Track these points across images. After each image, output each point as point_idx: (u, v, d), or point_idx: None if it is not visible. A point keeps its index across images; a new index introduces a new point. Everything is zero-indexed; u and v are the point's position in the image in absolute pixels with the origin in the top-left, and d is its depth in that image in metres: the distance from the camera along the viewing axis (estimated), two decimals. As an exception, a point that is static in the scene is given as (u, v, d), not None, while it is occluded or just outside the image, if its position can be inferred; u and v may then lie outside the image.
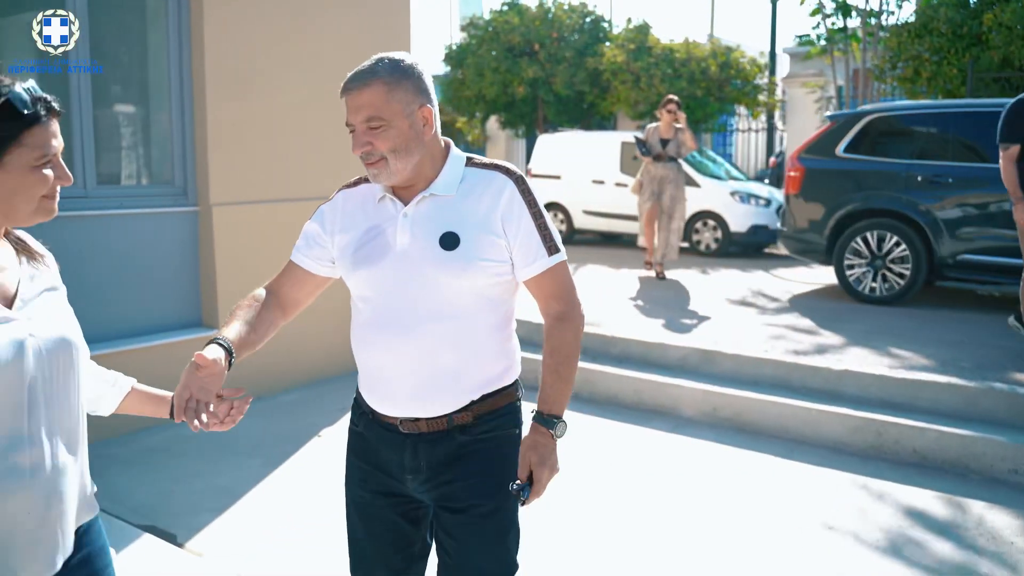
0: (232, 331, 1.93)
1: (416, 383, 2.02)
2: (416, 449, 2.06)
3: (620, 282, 9.59)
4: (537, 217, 2.04)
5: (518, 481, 1.99)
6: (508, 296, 2.09)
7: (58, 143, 1.55)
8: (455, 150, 2.09)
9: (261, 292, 2.14)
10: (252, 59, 5.81)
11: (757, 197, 12.56)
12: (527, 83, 17.61)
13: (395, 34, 6.69)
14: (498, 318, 2.07)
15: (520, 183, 2.05)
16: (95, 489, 1.75)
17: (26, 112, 1.49)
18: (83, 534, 1.69)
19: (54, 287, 1.67)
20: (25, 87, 1.51)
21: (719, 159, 14.23)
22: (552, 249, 2.05)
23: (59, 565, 1.59)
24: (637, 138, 9.48)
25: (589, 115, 18.79)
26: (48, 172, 1.54)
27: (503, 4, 18.78)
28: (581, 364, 6.25)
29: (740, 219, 12.29)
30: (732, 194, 12.43)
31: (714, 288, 9.10)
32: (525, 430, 2.10)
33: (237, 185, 5.79)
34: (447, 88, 19.46)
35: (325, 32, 6.25)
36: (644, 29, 17.74)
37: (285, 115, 6.03)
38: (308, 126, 6.15)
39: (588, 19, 18.38)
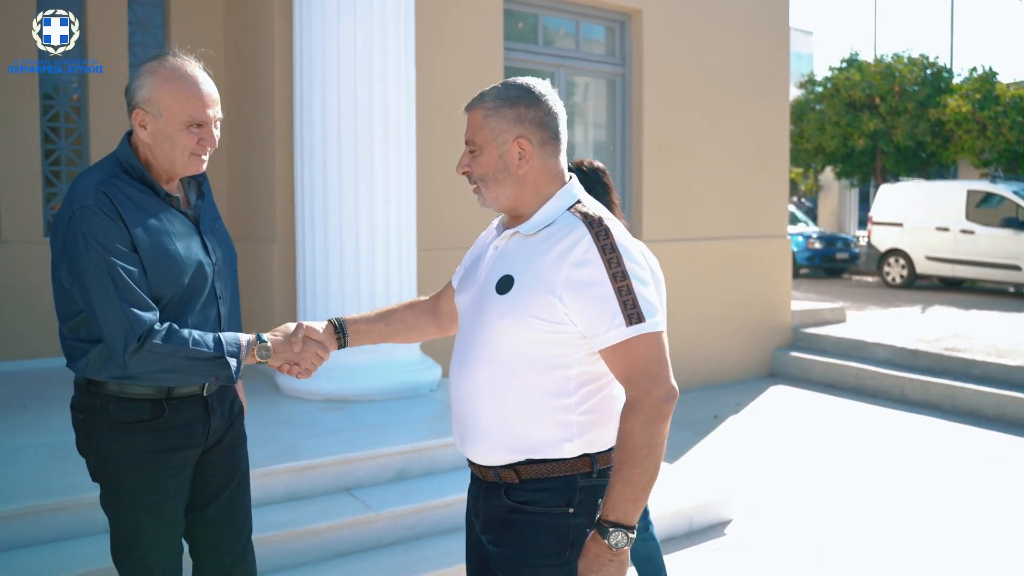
0: (357, 315, 2.22)
1: (461, 424, 1.92)
2: (478, 494, 1.95)
3: (971, 320, 10.25)
4: (618, 278, 1.70)
5: None
6: (571, 361, 1.79)
7: None
8: (566, 191, 1.86)
9: (424, 297, 2.28)
10: (673, 133, 7.60)
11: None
12: (867, 136, 18.29)
13: (775, 133, 8.32)
14: (553, 382, 1.79)
15: (601, 236, 1.74)
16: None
17: None
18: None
19: None
20: None
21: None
22: (633, 318, 1.69)
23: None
24: None
25: (928, 165, 19.02)
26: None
27: (842, 61, 19.63)
28: (943, 381, 7.28)
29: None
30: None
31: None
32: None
33: (664, 227, 7.54)
34: (784, 141, 20.54)
35: (729, 121, 7.93)
36: (989, 77, 17.79)
37: (698, 175, 7.74)
38: (716, 184, 7.85)
39: (929, 71, 18.71)
